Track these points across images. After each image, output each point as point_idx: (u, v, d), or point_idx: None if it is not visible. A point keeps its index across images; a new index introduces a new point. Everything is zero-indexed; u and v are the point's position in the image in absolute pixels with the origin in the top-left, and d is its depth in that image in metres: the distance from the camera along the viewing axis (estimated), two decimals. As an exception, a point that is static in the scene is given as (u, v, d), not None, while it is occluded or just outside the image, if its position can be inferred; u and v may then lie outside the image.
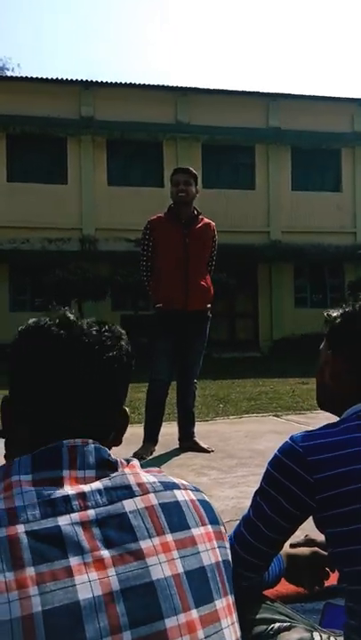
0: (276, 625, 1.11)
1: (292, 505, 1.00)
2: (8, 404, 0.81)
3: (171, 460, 3.51)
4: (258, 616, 1.13)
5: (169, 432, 3.89)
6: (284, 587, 1.78)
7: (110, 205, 16.49)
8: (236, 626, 0.72)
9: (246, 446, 3.81)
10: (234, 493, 2.75)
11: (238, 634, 0.72)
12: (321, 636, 1.09)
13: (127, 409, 0.86)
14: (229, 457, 3.52)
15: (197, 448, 3.69)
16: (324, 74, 60.85)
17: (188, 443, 3.75)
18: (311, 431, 1.05)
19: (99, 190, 16.77)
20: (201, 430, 3.99)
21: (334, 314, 1.19)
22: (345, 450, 0.99)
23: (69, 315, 0.83)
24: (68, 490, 0.67)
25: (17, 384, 0.80)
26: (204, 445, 3.72)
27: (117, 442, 0.83)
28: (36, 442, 0.73)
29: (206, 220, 3.84)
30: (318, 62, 64.81)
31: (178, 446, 3.77)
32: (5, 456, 0.81)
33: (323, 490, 0.97)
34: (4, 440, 0.84)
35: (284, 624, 1.12)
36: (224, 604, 0.70)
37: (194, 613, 0.65)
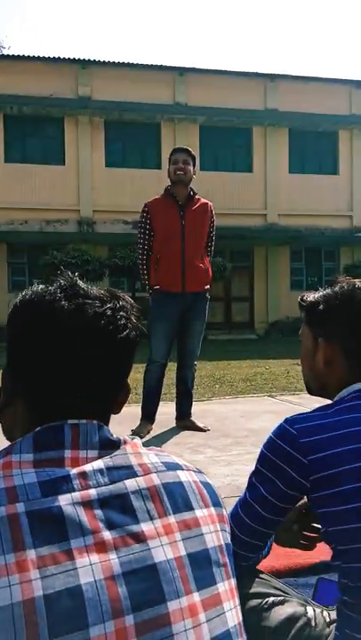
0: (270, 599, 1.13)
1: (287, 486, 1.02)
2: (8, 376, 0.76)
3: (168, 438, 3.56)
4: (252, 590, 1.15)
5: (166, 411, 3.93)
6: (278, 561, 1.82)
7: (108, 187, 16.38)
8: (239, 610, 0.71)
9: (242, 426, 3.86)
10: (229, 471, 2.78)
11: (240, 618, 0.70)
12: (314, 611, 1.11)
13: (128, 382, 0.81)
14: (225, 436, 3.56)
15: (194, 427, 3.74)
16: (322, 55, 60.07)
17: (184, 422, 3.80)
18: (305, 413, 1.06)
19: (96, 172, 16.63)
20: (197, 410, 4.03)
21: (310, 298, 1.18)
22: (338, 431, 1.00)
23: (79, 284, 0.75)
24: (69, 469, 0.65)
25: (14, 360, 0.75)
26: (201, 425, 3.77)
27: (116, 411, 0.80)
28: (35, 419, 0.70)
29: (203, 200, 3.82)
30: (316, 43, 63.90)
31: (175, 425, 3.82)
32: (2, 428, 0.79)
33: (316, 470, 0.98)
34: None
35: (278, 598, 1.14)
36: (227, 587, 0.69)
37: (196, 597, 0.64)
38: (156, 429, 3.71)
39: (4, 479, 0.63)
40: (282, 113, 17.45)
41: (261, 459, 1.06)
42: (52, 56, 16.28)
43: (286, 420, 1.05)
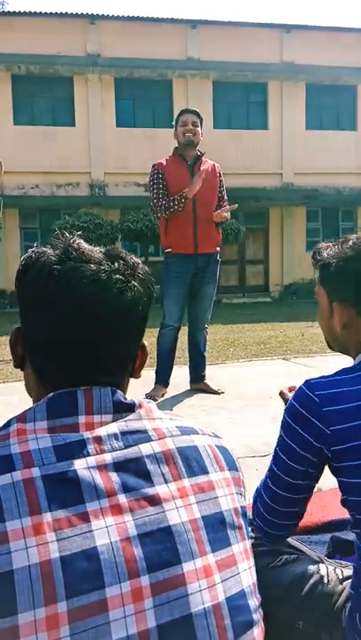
0: (284, 557, 1.14)
1: (313, 454, 1.00)
2: (20, 338, 0.76)
3: (182, 400, 3.60)
4: (265, 548, 1.16)
5: (180, 375, 3.96)
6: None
7: (119, 148, 16.07)
8: (253, 570, 0.72)
9: (256, 388, 3.87)
10: (244, 432, 2.81)
11: (255, 578, 0.71)
12: (327, 568, 1.12)
13: (145, 343, 0.79)
14: (239, 398, 3.59)
15: (208, 390, 3.77)
16: (340, 3, 57.29)
17: (198, 385, 3.83)
18: (326, 377, 1.02)
19: (107, 132, 16.30)
20: (211, 373, 4.05)
21: (324, 254, 1.11)
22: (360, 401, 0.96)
23: (75, 246, 0.73)
24: (84, 433, 0.66)
25: (24, 327, 0.74)
26: (215, 387, 3.79)
27: (136, 375, 0.80)
28: (45, 384, 0.71)
29: (210, 161, 3.77)
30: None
31: (189, 388, 3.85)
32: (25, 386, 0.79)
33: (338, 442, 0.96)
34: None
35: (292, 556, 1.15)
36: (241, 548, 0.70)
37: (210, 558, 0.65)
38: (171, 392, 3.75)
39: (18, 444, 0.64)
40: (299, 66, 16.77)
41: (285, 426, 1.02)
42: (58, 11, 15.75)
43: (308, 385, 1.00)
